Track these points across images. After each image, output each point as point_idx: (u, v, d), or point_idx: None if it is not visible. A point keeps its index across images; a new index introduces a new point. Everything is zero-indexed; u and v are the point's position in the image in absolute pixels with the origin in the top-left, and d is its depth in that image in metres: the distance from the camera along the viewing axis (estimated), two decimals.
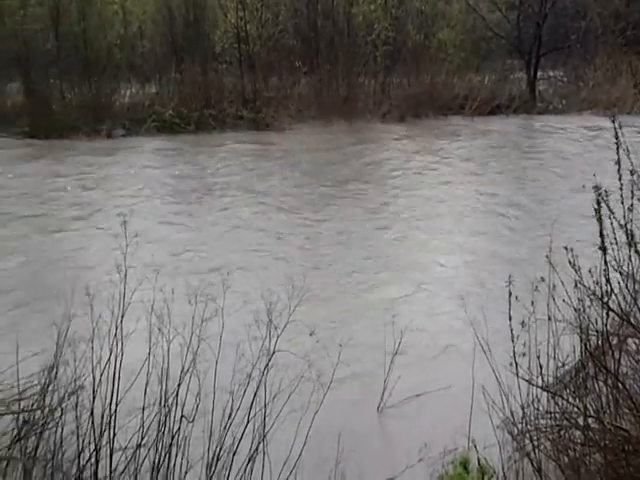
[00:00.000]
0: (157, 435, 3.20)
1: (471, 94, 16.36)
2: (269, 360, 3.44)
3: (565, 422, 3.49)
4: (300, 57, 16.12)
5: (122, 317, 3.30)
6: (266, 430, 3.30)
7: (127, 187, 9.87)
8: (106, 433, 3.06)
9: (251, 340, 3.69)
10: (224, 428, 3.26)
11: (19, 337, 3.63)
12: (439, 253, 7.15)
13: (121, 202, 8.97)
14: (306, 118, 14.62)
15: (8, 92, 14.03)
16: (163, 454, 3.11)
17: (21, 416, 3.17)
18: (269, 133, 13.84)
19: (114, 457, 3.04)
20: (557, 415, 3.60)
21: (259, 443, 3.25)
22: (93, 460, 2.97)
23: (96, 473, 2.94)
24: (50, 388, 3.29)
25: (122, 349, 3.24)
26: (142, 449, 3.15)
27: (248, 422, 3.29)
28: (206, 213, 8.81)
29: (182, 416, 3.23)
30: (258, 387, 3.37)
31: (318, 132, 13.92)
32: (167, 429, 3.19)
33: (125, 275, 3.46)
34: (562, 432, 3.50)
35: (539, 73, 18.40)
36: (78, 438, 3.00)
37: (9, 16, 14.14)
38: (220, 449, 3.20)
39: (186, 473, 3.10)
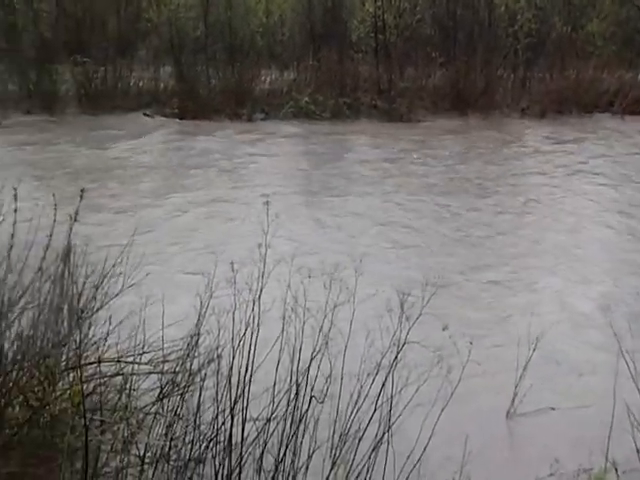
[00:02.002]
0: (286, 411, 3.29)
1: (622, 91, 15.15)
2: (399, 351, 3.41)
3: None
4: (437, 47, 15.77)
5: (260, 293, 3.42)
6: (392, 421, 3.29)
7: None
8: (239, 402, 3.19)
9: (382, 329, 3.68)
10: (350, 413, 3.29)
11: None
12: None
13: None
14: (440, 110, 14.32)
15: (161, 76, 15.07)
16: (292, 431, 3.19)
17: (165, 377, 3.39)
18: (418, 124, 13.70)
19: (246, 426, 3.17)
20: None
21: (384, 433, 3.24)
22: (227, 426, 3.10)
23: (230, 438, 3.07)
24: (191, 354, 3.48)
25: (258, 324, 3.36)
26: (272, 423, 3.26)
27: (375, 410, 3.29)
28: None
29: (312, 396, 3.30)
30: (386, 377, 3.35)
31: (463, 124, 13.68)
32: (296, 407, 3.27)
33: (265, 253, 3.58)
34: None
35: None
36: (216, 403, 3.15)
37: (165, 5, 15.17)
38: (347, 434, 3.24)
39: (313, 452, 3.16)
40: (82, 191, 3.75)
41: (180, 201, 8.50)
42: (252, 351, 3.28)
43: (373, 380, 3.36)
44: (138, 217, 7.71)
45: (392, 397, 3.34)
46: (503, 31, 16.04)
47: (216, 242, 6.91)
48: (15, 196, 3.54)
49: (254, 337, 3.31)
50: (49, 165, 10.00)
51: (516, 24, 15.91)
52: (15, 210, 3.52)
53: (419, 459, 3.22)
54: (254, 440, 3.18)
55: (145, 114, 13.86)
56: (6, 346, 3.04)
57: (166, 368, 3.43)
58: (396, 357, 3.38)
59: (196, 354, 3.44)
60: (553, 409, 4.02)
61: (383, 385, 3.33)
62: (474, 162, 10.85)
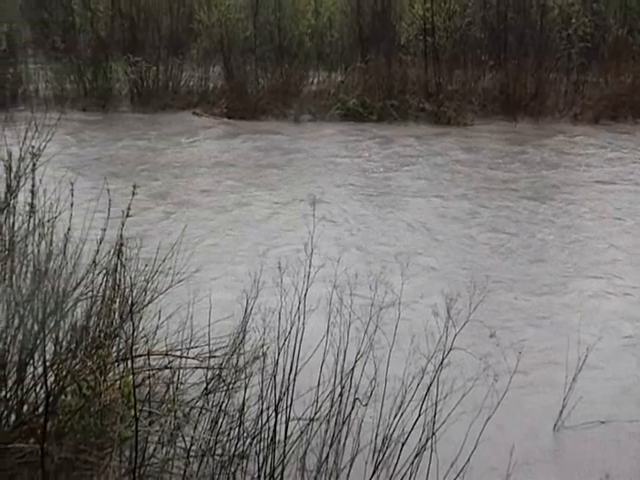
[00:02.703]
0: (330, 412, 3.29)
1: None
2: (444, 357, 3.37)
3: None
4: (487, 51, 15.53)
5: (306, 293, 3.43)
6: (436, 427, 3.25)
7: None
8: (284, 401, 3.21)
9: (427, 334, 3.65)
10: (394, 417, 3.27)
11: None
12: None
13: None
14: (489, 114, 14.09)
15: (211, 75, 15.31)
16: (335, 432, 3.19)
17: (211, 372, 3.43)
18: (469, 129, 13.44)
19: (289, 425, 3.18)
20: None
21: (428, 439, 3.21)
22: (271, 423, 3.12)
23: (274, 435, 3.09)
24: (237, 351, 3.51)
25: (304, 323, 3.38)
26: (315, 423, 3.26)
27: (419, 416, 3.25)
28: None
29: (356, 398, 3.29)
30: (431, 382, 3.32)
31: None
32: (339, 408, 3.27)
33: (311, 253, 3.59)
34: None
35: None
36: (260, 400, 3.17)
37: (216, 6, 15.43)
38: (390, 438, 3.21)
39: (356, 455, 3.15)
40: (134, 187, 3.82)
41: (262, 197, 8.53)
42: (297, 350, 3.29)
43: (418, 384, 3.33)
44: (224, 214, 7.77)
45: (437, 403, 3.30)
46: (556, 34, 15.67)
47: (284, 240, 6.86)
48: (72, 191, 3.65)
49: (299, 336, 3.33)
50: (129, 162, 10.21)
51: (570, 28, 15.53)
52: (71, 204, 3.62)
53: (463, 468, 3.18)
54: (297, 439, 3.19)
55: (194, 113, 14.10)
56: (61, 335, 3.14)
57: (212, 363, 3.48)
58: (441, 362, 3.35)
59: (242, 351, 3.48)
60: (603, 422, 3.90)
61: (428, 390, 3.29)
62: (558, 168, 10.49)
